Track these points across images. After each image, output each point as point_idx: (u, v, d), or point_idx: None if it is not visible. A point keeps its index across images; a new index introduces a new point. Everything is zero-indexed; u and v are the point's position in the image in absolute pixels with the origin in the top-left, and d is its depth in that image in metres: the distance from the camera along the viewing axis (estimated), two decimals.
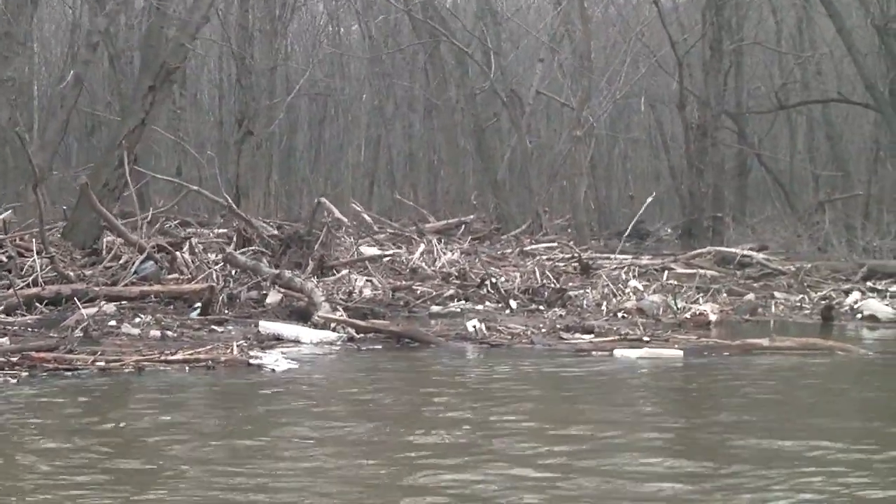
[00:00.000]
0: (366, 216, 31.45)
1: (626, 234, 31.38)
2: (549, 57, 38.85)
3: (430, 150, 44.76)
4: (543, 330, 18.53)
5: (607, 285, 23.08)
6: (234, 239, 24.38)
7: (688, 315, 20.41)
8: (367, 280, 22.32)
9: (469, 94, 35.90)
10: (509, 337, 17.68)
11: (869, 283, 25.08)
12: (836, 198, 36.98)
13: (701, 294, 23.15)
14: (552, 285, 23.15)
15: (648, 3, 37.92)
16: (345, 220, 24.90)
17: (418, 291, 22.47)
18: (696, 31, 35.92)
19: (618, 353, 15.99)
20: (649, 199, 29.93)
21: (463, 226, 31.74)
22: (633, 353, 15.84)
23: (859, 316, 21.74)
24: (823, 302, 22.55)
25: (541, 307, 21.59)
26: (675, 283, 24.78)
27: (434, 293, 22.40)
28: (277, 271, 21.00)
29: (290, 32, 45.91)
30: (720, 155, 34.20)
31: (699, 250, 28.79)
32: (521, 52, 38.96)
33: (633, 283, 24.29)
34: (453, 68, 37.08)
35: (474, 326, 17.78)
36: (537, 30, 39.56)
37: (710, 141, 32.79)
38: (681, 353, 15.96)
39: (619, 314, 20.82)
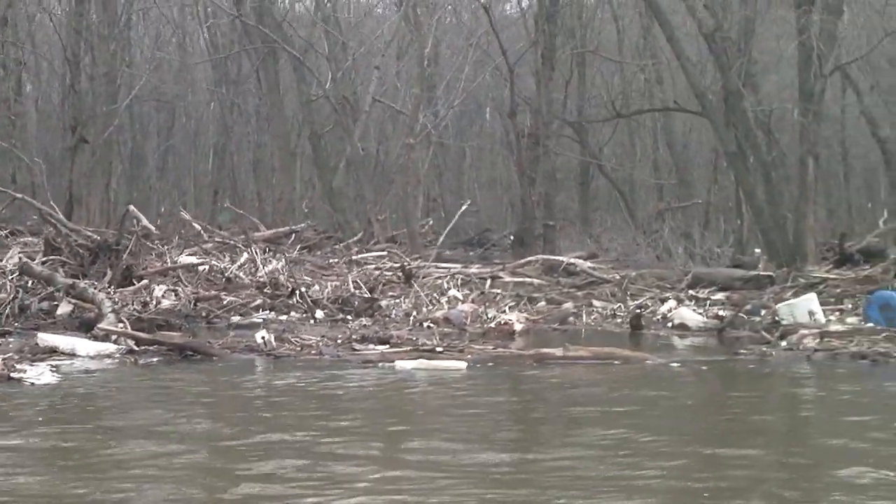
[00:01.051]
0: (195, 225, 30.79)
1: (469, 242, 31.04)
2: (384, 64, 38.36)
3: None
4: (339, 340, 17.92)
5: (419, 295, 22.52)
6: (43, 247, 23.55)
7: (493, 325, 19.98)
8: (169, 290, 21.56)
9: (305, 101, 35.24)
10: (298, 348, 17.04)
11: (691, 292, 24.94)
12: (676, 206, 37.04)
13: (518, 302, 22.85)
14: (363, 295, 22.51)
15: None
16: (152, 228, 24.07)
17: (225, 301, 21.78)
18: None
19: (399, 364, 15.44)
20: (463, 207, 29.45)
21: (293, 234, 31.10)
22: (409, 365, 15.30)
23: (670, 324, 21.53)
24: (639, 311, 22.31)
25: (349, 317, 21.04)
26: (500, 291, 24.48)
27: (241, 303, 21.74)
28: (72, 281, 20.22)
29: (133, 38, 45.03)
30: (551, 163, 33.88)
31: (527, 259, 28.48)
32: (363, 59, 38.35)
33: (452, 292, 23.84)
34: (287, 75, 36.44)
35: (263, 338, 17.12)
36: (374, 37, 38.98)
37: (542, 149, 32.47)
38: (463, 364, 15.43)
39: (426, 324, 20.30)
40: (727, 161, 31.09)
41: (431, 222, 41.31)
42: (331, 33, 37.19)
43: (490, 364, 15.96)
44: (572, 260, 27.67)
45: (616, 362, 16.28)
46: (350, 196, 34.83)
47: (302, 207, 35.81)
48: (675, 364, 16.36)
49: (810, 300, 21.48)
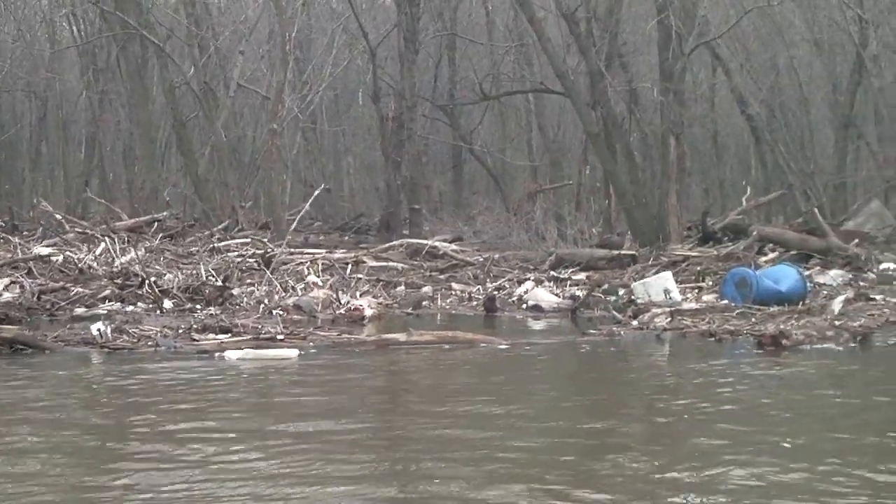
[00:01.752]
0: (57, 215, 30.16)
1: (343, 227, 30.69)
2: (252, 49, 37.79)
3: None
4: (180, 331, 17.42)
5: (273, 282, 22.07)
6: None
7: (342, 311, 19.65)
8: (12, 282, 20.92)
9: (168, 88, 34.57)
10: (135, 340, 16.51)
11: (553, 273, 24.85)
12: (547, 188, 36.98)
13: (375, 287, 22.59)
14: (215, 283, 22.00)
15: None
16: None
17: (72, 293, 21.17)
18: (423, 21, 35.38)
19: (227, 354, 15.02)
20: (317, 192, 29.01)
21: (156, 223, 30.45)
22: (235, 355, 14.90)
23: (524, 306, 21.37)
24: (494, 293, 22.13)
25: (198, 306, 20.55)
26: (361, 276, 24.16)
27: (89, 295, 21.13)
28: None
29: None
30: (416, 147, 33.60)
31: (391, 243, 28.20)
32: (229, 45, 37.67)
33: (311, 278, 23.43)
34: (148, 61, 35.79)
35: (99, 329, 16.55)
36: (239, 21, 38.35)
37: (406, 133, 32.16)
38: (295, 352, 15.05)
39: (276, 312, 19.87)
40: (590, 142, 31.03)
41: (308, 207, 40.86)
42: (193, 18, 36.46)
43: (328, 351, 15.58)
44: (435, 243, 27.42)
45: (463, 345, 16.02)
46: (215, 183, 34.18)
47: (164, 196, 35.04)
48: (504, 346, 16.09)
49: (665, 279, 21.49)
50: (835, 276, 24.60)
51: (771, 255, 26.36)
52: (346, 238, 35.02)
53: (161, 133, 37.84)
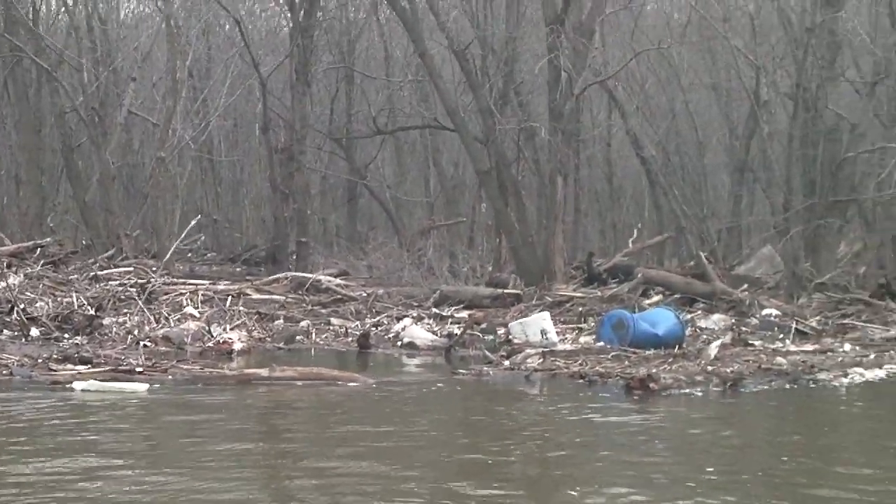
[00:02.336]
0: None
1: (235, 258, 30.23)
2: (144, 76, 37.26)
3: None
4: (40, 360, 16.96)
5: (145, 312, 21.65)
6: None
7: (211, 343, 19.31)
8: None
9: (58, 112, 33.93)
10: None
11: (435, 310, 24.70)
12: (441, 224, 36.82)
13: (251, 320, 22.28)
14: (85, 312, 21.53)
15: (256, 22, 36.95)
16: None
17: None
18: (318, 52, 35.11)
19: (75, 385, 14.62)
20: (193, 222, 28.57)
21: (38, 249, 29.80)
22: (79, 386, 14.50)
23: (399, 343, 21.16)
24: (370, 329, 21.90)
25: (66, 335, 20.09)
26: (242, 309, 23.80)
27: None
28: None
29: None
30: (305, 179, 33.29)
31: (276, 276, 27.87)
32: (121, 71, 37.06)
33: (188, 309, 23.04)
34: (34, 84, 35.14)
35: None
36: (133, 47, 37.80)
37: (295, 165, 31.82)
38: (145, 386, 14.66)
39: (144, 343, 19.47)
40: (480, 179, 30.93)
41: (203, 238, 40.39)
42: (88, 42, 35.89)
43: (185, 385, 15.22)
44: (319, 277, 27.12)
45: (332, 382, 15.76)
46: (101, 210, 33.55)
47: (48, 222, 34.40)
48: (356, 385, 15.84)
49: (542, 319, 21.37)
50: (717, 320, 24.63)
51: (655, 298, 26.37)
52: (238, 269, 34.58)
53: (55, 158, 37.09)
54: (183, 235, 27.57)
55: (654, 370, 16.96)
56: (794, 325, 23.73)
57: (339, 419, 13.34)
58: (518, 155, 29.58)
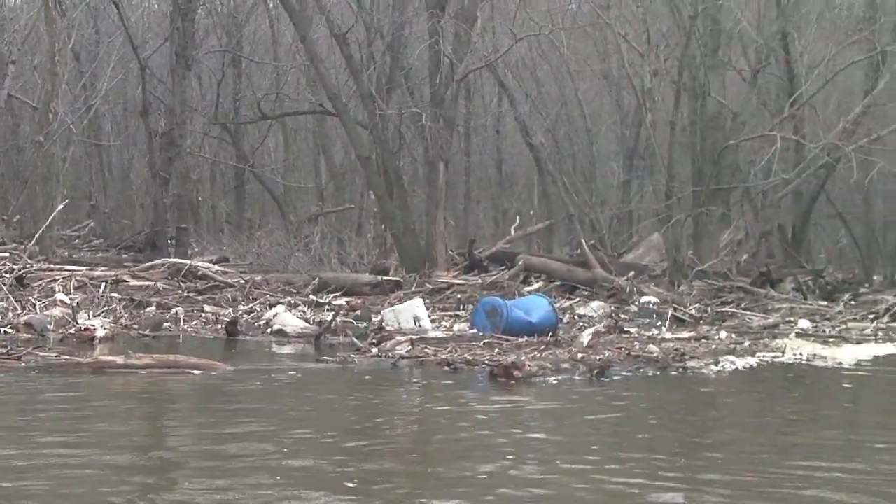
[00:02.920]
0: None
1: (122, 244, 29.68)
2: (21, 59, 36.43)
3: None
4: None
5: (9, 298, 21.14)
6: None
7: (72, 330, 18.88)
8: None
9: None
10: None
11: (313, 297, 24.44)
12: (328, 211, 36.55)
13: (123, 307, 21.85)
14: None
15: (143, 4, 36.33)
16: None
17: None
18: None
19: None
20: (59, 207, 27.99)
21: None
22: None
23: (270, 330, 20.86)
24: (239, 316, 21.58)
25: None
26: (116, 296, 23.33)
27: None
28: None
29: None
30: (186, 164, 32.79)
31: (154, 262, 27.39)
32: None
33: (59, 295, 22.53)
34: None
35: None
36: (13, 30, 36.97)
37: (176, 150, 31.31)
38: None
39: (4, 330, 19.00)
40: (361, 166, 30.67)
41: (92, 224, 39.78)
42: None
43: (34, 372, 14.80)
44: (196, 263, 26.70)
45: (189, 370, 15.41)
46: None
47: None
48: (231, 369, 15.56)
49: (415, 306, 21.20)
50: (596, 307, 24.65)
51: (536, 285, 26.34)
52: (125, 256, 34.04)
53: None
54: (49, 220, 26.92)
55: (522, 357, 16.80)
56: (671, 313, 23.81)
57: (177, 409, 13.03)
58: (400, 141, 29.31)
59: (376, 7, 31.35)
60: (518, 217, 34.45)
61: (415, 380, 15.93)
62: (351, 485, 8.95)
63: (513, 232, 30.81)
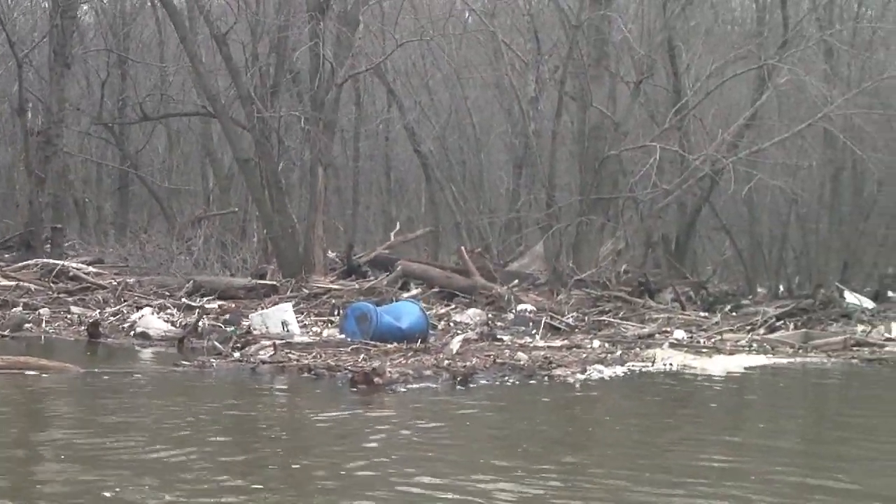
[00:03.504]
0: None
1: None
2: None
3: None
4: None
5: None
6: None
7: None
8: None
9: None
10: None
11: (185, 300, 24.11)
12: (212, 214, 36.12)
13: None
14: None
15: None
16: None
17: None
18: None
19: None
20: None
21: None
22: None
23: (133, 333, 20.49)
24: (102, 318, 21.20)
25: None
26: None
27: None
28: None
29: None
30: (63, 164, 32.22)
31: (27, 262, 26.88)
32: None
33: None
34: None
35: None
36: None
37: (52, 149, 30.69)
38: None
39: None
40: (240, 168, 30.34)
41: None
42: None
43: None
44: (69, 264, 26.22)
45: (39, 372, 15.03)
46: None
47: None
48: (83, 371, 15.19)
49: (284, 310, 20.94)
50: (472, 315, 24.52)
51: (415, 291, 26.16)
52: (7, 255, 33.36)
53: None
54: None
55: (386, 364, 16.62)
56: (546, 321, 23.77)
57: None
58: (279, 145, 28.95)
59: (262, 9, 30.95)
60: (398, 224, 34.14)
61: (268, 385, 15.63)
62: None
63: (392, 238, 30.56)
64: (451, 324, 23.61)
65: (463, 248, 28.68)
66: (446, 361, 17.45)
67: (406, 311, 20.57)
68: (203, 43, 32.57)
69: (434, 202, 37.47)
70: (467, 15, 38.46)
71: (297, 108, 29.46)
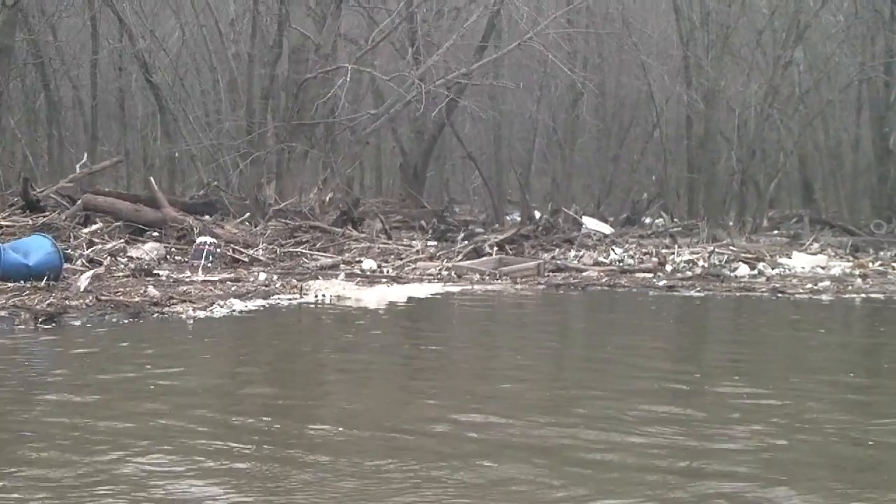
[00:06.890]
0: None
1: None
2: None
3: None
4: None
5: None
6: None
7: None
8: None
9: None
10: None
11: None
12: None
13: None
14: None
15: None
16: None
17: None
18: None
19: None
20: None
21: None
22: None
23: None
24: None
25: None
26: None
27: None
28: None
29: None
30: None
31: None
32: None
33: None
34: None
35: None
36: None
37: None
38: None
39: None
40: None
41: None
42: None
43: None
44: None
45: None
46: None
47: None
48: None
49: None
50: (149, 249, 23.22)
51: (96, 226, 24.55)
52: None
53: None
54: None
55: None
56: (227, 253, 22.77)
57: None
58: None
59: None
60: (86, 154, 32.14)
61: None
62: None
63: (78, 170, 28.68)
64: (127, 259, 22.25)
65: (152, 179, 27.11)
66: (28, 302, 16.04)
67: (36, 246, 18.95)
68: None
69: (168, 133, 35.71)
70: None
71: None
